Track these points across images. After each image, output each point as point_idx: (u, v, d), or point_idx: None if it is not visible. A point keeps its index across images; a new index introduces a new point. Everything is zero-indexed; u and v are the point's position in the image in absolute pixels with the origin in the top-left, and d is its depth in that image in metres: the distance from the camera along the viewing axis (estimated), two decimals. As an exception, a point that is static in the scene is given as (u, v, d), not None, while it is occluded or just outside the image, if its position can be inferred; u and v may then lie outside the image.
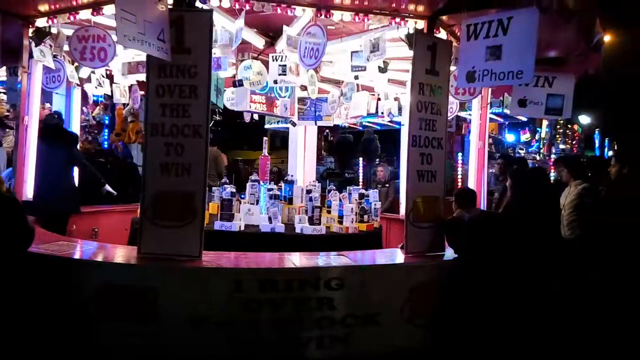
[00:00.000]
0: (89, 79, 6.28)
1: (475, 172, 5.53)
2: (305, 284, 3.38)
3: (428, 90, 4.00)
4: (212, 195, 5.38)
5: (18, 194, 4.71)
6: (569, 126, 20.62)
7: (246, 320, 3.31)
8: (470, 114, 8.86)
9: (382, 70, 5.09)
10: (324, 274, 3.43)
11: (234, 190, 5.17)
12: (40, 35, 4.64)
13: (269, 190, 5.25)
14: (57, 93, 5.90)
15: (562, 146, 20.30)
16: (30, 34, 4.65)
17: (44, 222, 4.82)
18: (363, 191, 5.72)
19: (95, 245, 4.08)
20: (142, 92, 6.67)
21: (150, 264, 3.41)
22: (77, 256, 3.55)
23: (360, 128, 12.73)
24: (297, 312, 3.37)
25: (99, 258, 3.67)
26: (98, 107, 8.53)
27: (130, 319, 3.29)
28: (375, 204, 5.48)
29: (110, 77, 6.36)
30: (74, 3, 4.31)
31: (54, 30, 4.77)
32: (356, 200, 5.46)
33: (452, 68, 4.28)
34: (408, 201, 3.95)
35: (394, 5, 4.03)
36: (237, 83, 5.20)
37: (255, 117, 7.71)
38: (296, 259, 3.74)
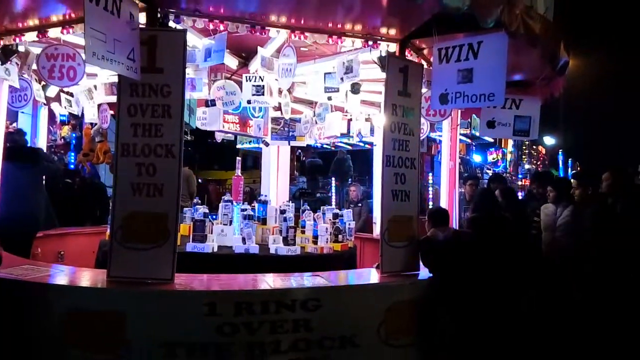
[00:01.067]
0: (56, 98, 6.15)
1: (446, 191, 5.62)
2: (281, 305, 3.32)
3: (400, 111, 4.05)
4: (184, 216, 5.28)
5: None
6: (534, 147, 21.26)
7: (221, 344, 3.22)
8: (440, 135, 9.05)
9: (355, 91, 5.15)
10: (300, 295, 3.38)
11: (206, 210, 5.09)
12: (7, 53, 4.52)
13: (243, 210, 5.19)
14: (23, 112, 5.74)
15: (527, 166, 20.88)
16: (-5, 52, 4.53)
17: (8, 244, 4.65)
18: (337, 211, 5.72)
19: (62, 269, 3.92)
20: (112, 112, 6.57)
21: (120, 288, 3.30)
22: (42, 280, 3.40)
23: (333, 148, 12.82)
24: (273, 334, 3.30)
25: (66, 282, 3.52)
26: (66, 127, 8.34)
27: (99, 345, 3.16)
28: (349, 224, 5.49)
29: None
30: (44, 21, 4.22)
31: (21, 49, 4.67)
32: (330, 220, 5.45)
33: (424, 90, 4.37)
34: (383, 221, 3.96)
35: (367, 28, 4.10)
36: (209, 103, 5.18)
37: (228, 136, 7.68)
38: (271, 280, 3.68)
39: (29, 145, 5.61)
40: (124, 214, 3.43)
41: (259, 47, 4.81)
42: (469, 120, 10.53)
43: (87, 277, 3.65)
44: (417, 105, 4.19)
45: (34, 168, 5.16)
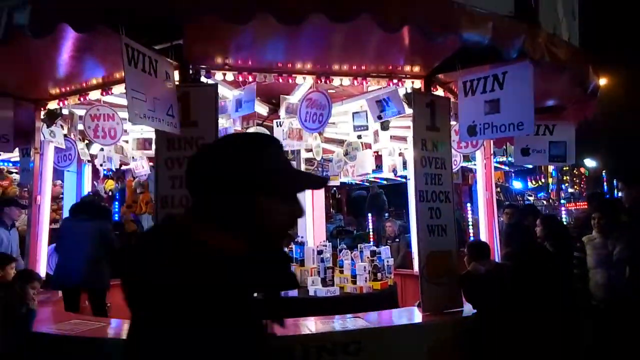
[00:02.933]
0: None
1: (485, 222, 5.50)
2: (323, 350, 3.29)
3: (430, 145, 4.06)
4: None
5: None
6: (575, 170, 20.65)
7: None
8: (475, 164, 8.93)
9: (384, 128, 5.20)
10: (341, 339, 3.34)
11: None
12: (52, 117, 4.82)
13: (280, 253, 5.21)
14: (68, 170, 6.04)
15: (570, 189, 20.24)
16: (42, 116, 4.83)
17: (64, 296, 4.85)
18: (375, 248, 5.67)
19: (108, 322, 4.02)
20: (151, 163, 6.84)
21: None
22: (92, 335, 3.49)
23: (366, 184, 12.81)
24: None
25: (113, 335, 3.60)
26: (110, 181, 8.70)
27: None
28: (387, 261, 5.43)
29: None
30: (84, 85, 4.50)
31: (65, 112, 4.97)
32: (368, 258, 5.41)
33: (453, 122, 4.38)
34: (420, 257, 3.91)
35: (390, 68, 4.18)
36: (243, 150, 5.31)
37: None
38: (311, 324, 3.66)
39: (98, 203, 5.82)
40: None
41: (281, 96, 4.96)
42: (504, 147, 10.37)
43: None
44: (447, 138, 4.19)
45: (91, 222, 5.23)
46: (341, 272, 5.33)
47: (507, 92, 3.61)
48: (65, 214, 6.22)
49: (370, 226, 11.46)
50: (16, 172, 8.89)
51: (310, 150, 6.67)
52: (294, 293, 4.67)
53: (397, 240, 8.32)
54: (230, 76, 4.08)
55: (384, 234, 9.74)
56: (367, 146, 6.61)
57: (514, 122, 3.55)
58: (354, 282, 4.95)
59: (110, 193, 9.27)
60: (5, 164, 9.01)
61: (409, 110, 4.87)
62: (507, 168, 14.76)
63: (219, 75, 4.07)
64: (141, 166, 6.96)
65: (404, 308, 4.88)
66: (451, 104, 4.32)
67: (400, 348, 3.48)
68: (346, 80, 4.24)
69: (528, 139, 5.04)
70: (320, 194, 8.38)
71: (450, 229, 4.07)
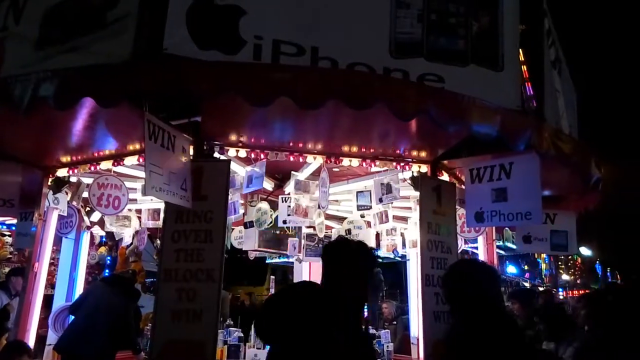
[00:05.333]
0: (99, 222, 6.41)
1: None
2: None
3: (436, 229, 4.08)
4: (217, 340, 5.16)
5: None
6: (570, 257, 20.64)
7: None
8: (473, 247, 8.92)
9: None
10: None
11: (241, 334, 4.99)
12: (60, 185, 4.83)
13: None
14: (67, 237, 5.96)
15: (565, 277, 20.08)
16: (49, 183, 4.84)
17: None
18: (374, 332, 5.52)
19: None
20: (149, 233, 6.77)
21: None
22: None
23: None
24: None
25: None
26: (103, 248, 8.56)
27: None
28: (387, 346, 5.27)
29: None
30: (96, 154, 4.55)
31: (72, 179, 4.99)
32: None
33: (457, 207, 4.43)
34: (426, 345, 3.80)
35: (398, 152, 4.29)
36: (247, 224, 5.32)
37: (254, 255, 7.74)
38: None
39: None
40: (163, 342, 3.39)
41: (292, 172, 5.05)
42: (500, 234, 10.43)
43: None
44: (453, 223, 4.23)
45: (124, 298, 5.19)
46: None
47: (514, 181, 3.70)
48: (60, 279, 6.08)
49: (366, 309, 11.21)
50: (9, 235, 8.76)
51: (311, 226, 6.67)
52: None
53: (395, 322, 8.10)
54: (242, 153, 4.17)
55: (381, 315, 9.50)
56: (368, 225, 6.62)
57: (521, 211, 3.61)
58: (353, 368, 4.76)
59: (99, 261, 9.08)
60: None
61: (404, 193, 4.95)
62: (502, 252, 14.72)
63: (231, 152, 4.15)
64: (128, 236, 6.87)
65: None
66: (456, 189, 4.40)
67: None
68: (355, 162, 4.34)
69: (529, 227, 5.07)
70: (317, 269, 8.24)
71: (457, 316, 3.98)
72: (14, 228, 7.27)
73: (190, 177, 3.55)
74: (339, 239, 2.65)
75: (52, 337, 5.52)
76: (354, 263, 2.30)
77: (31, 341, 4.60)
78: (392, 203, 5.27)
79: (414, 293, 6.51)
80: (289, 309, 2.01)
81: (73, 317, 5.17)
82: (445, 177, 4.57)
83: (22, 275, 5.08)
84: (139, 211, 6.29)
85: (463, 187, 4.43)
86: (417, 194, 4.39)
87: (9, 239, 8.75)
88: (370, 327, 6.72)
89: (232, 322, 5.87)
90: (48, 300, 5.89)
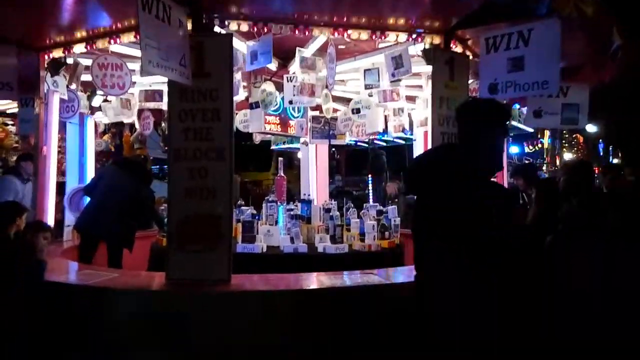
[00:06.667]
0: (99, 108, 6.32)
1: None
2: (340, 304, 3.32)
3: (448, 104, 4.00)
4: (230, 218, 5.34)
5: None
6: (574, 136, 20.64)
7: (279, 345, 3.24)
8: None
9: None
10: (359, 294, 3.37)
11: (254, 211, 5.14)
12: (56, 66, 4.68)
13: (289, 210, 5.21)
14: (70, 122, 5.91)
15: (568, 155, 20.26)
16: (46, 65, 4.68)
17: (84, 245, 4.93)
18: (381, 208, 5.67)
19: (120, 274, 4.02)
20: (154, 119, 6.71)
21: (179, 290, 3.37)
22: (104, 285, 3.49)
23: (365, 145, 12.75)
24: (331, 332, 3.30)
25: (126, 286, 3.60)
26: (107, 135, 8.56)
27: (161, 348, 3.22)
28: (394, 220, 5.44)
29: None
30: (91, 32, 4.33)
31: (69, 61, 4.81)
32: (374, 217, 5.42)
33: (470, 81, 4.30)
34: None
35: (410, 22, 4.05)
36: (253, 105, 5.22)
37: (266, 138, 7.73)
38: (325, 279, 3.68)
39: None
40: (179, 218, 3.49)
41: (297, 48, 4.83)
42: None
43: (147, 281, 3.73)
44: (465, 97, 4.13)
45: (134, 181, 5.16)
46: (348, 230, 5.34)
47: (532, 49, 3.52)
48: (69, 165, 6.17)
49: (370, 187, 11.49)
50: (12, 124, 8.72)
51: (316, 108, 6.58)
52: (303, 249, 4.69)
53: (396, 201, 8.35)
54: (245, 27, 3.94)
55: (384, 194, 9.78)
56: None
57: (538, 80, 3.48)
58: (362, 240, 4.97)
59: (105, 148, 9.12)
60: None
61: (414, 70, 4.78)
62: (507, 132, 14.64)
63: (233, 26, 3.92)
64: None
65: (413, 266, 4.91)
66: (470, 62, 4.23)
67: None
68: (364, 34, 4.11)
69: (541, 101, 4.96)
70: (324, 153, 8.33)
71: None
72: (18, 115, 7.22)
73: (189, 53, 3.38)
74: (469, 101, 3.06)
75: (69, 219, 5.73)
76: (488, 119, 2.45)
77: (50, 222, 4.78)
78: (401, 80, 5.15)
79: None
80: (433, 164, 2.48)
81: (89, 198, 5.30)
82: (458, 49, 4.37)
83: (31, 159, 5.11)
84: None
85: (477, 59, 4.25)
86: (429, 69, 4.23)
87: (13, 128, 8.71)
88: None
89: (243, 202, 6.05)
90: (61, 187, 6.03)
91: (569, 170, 3.72)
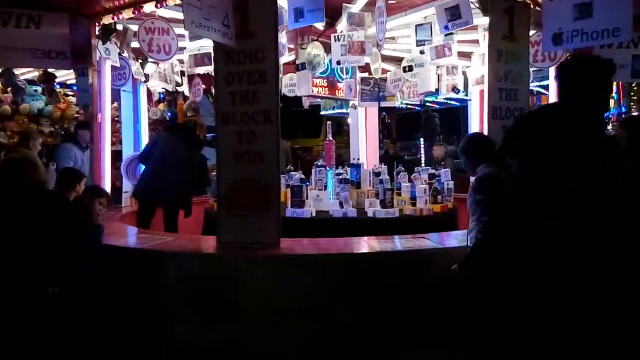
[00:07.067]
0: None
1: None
2: (390, 268, 3.24)
3: (507, 57, 3.73)
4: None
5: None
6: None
7: (329, 308, 3.22)
8: (537, 86, 8.35)
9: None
10: (410, 258, 3.28)
11: (302, 176, 5.10)
12: (107, 33, 4.74)
13: (338, 174, 5.13)
14: (124, 90, 6.03)
15: (636, 113, 18.85)
16: (97, 32, 4.74)
17: (141, 211, 5.09)
18: (433, 171, 5.49)
19: (175, 237, 4.12)
20: (204, 86, 6.73)
21: (229, 253, 3.40)
22: (158, 248, 3.58)
23: (418, 108, 12.37)
24: (381, 297, 3.24)
25: (179, 249, 3.68)
26: (162, 104, 8.71)
27: (211, 310, 3.28)
28: (447, 184, 5.25)
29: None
30: (138, -3, 4.33)
31: (119, 27, 4.85)
32: (426, 181, 5.25)
33: (531, 33, 3.98)
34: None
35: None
36: (299, 67, 5.10)
37: (314, 102, 7.61)
38: (374, 243, 3.61)
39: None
40: (229, 182, 3.49)
41: (344, 4, 4.63)
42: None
43: (198, 245, 3.80)
44: (525, 50, 3.86)
45: (186, 146, 5.26)
46: (399, 194, 5.21)
47: (602, -7, 3.19)
48: (125, 133, 6.32)
49: (422, 152, 11.21)
50: (72, 95, 9.04)
51: (366, 69, 6.37)
52: (352, 214, 4.62)
53: (443, 164, 8.07)
54: (289, -18, 3.79)
55: (431, 158, 9.50)
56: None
57: (608, 27, 3.15)
58: (413, 205, 4.84)
59: (160, 117, 9.30)
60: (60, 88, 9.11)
61: (475, 22, 4.47)
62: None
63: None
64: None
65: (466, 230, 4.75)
66: (531, 11, 3.91)
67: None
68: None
69: (609, 52, 4.55)
70: (373, 117, 8.14)
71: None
72: (75, 88, 7.46)
73: (232, 12, 3.29)
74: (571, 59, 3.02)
75: (126, 185, 5.93)
76: (594, 75, 2.46)
77: (107, 188, 4.94)
78: (454, 34, 4.84)
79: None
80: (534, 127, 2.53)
81: (144, 166, 5.43)
82: (517, -3, 4.04)
83: (88, 127, 5.27)
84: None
85: (538, 8, 3.92)
86: (486, 21, 3.94)
87: (73, 99, 9.03)
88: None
89: (292, 168, 6.02)
90: (118, 156, 6.22)
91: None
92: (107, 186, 5.01)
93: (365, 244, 3.59)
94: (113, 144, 6.59)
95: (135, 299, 3.40)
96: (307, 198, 4.92)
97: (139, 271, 3.49)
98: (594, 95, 2.43)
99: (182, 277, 3.37)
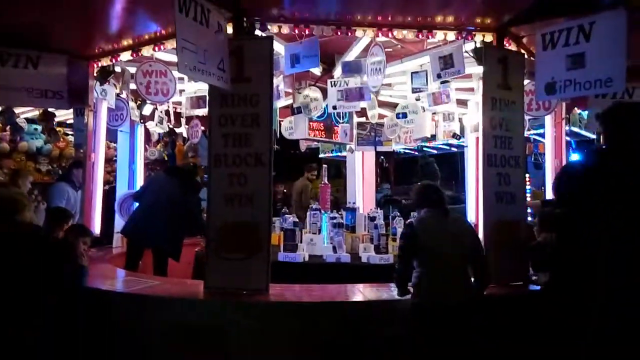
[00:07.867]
0: (151, 117, 6.43)
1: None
2: (381, 318, 3.13)
3: (501, 105, 3.73)
4: (273, 226, 5.24)
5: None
6: None
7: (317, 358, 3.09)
8: (535, 134, 8.36)
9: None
10: (400, 306, 3.17)
11: (296, 220, 5.03)
12: (104, 74, 4.77)
13: (332, 218, 5.06)
14: (121, 131, 6.04)
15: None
16: (95, 73, 4.78)
17: (130, 251, 4.98)
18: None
19: (161, 281, 3.99)
20: (202, 128, 6.76)
21: (215, 299, 3.29)
22: (143, 292, 3.46)
23: (415, 153, 12.41)
24: (373, 346, 3.11)
25: (164, 294, 3.55)
26: (160, 144, 8.72)
27: (196, 358, 3.14)
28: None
29: (176, 114, 6.56)
30: (136, 40, 4.38)
31: (117, 69, 4.90)
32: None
33: (525, 82, 4.01)
34: (486, 226, 3.64)
35: (460, 19, 3.83)
36: (295, 110, 5.13)
37: (312, 145, 7.62)
38: (368, 292, 3.50)
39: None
40: (218, 225, 3.42)
41: (336, 55, 4.69)
42: (567, 116, 9.69)
43: (185, 289, 3.68)
44: (520, 98, 3.86)
45: (182, 190, 5.09)
46: (394, 240, 5.11)
47: (594, 44, 3.21)
48: (120, 172, 6.29)
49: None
50: (72, 134, 9.08)
51: (363, 114, 6.41)
52: (346, 259, 4.53)
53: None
54: (285, 29, 3.85)
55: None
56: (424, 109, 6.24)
57: (601, 78, 3.16)
58: (409, 251, 4.73)
59: (158, 157, 9.29)
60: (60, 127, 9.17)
61: (471, 70, 4.52)
62: (567, 138, 13.85)
63: (274, 29, 3.84)
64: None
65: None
66: (525, 61, 3.95)
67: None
68: (410, 34, 3.92)
69: (604, 102, 4.56)
70: (371, 159, 8.14)
71: (520, 197, 3.77)
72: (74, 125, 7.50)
73: (228, 57, 3.32)
74: (615, 105, 2.86)
75: (119, 225, 5.83)
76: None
77: (96, 229, 4.86)
78: (449, 82, 4.89)
79: (472, 178, 6.29)
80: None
81: (137, 204, 5.35)
82: (512, 47, 4.09)
83: (82, 167, 5.23)
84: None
85: (532, 58, 3.96)
86: (480, 70, 3.98)
87: (72, 138, 9.06)
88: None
89: (287, 210, 5.94)
90: (111, 194, 6.16)
91: None
92: (97, 227, 4.92)
93: (355, 293, 3.48)
94: (109, 183, 6.59)
95: (119, 343, 3.26)
96: (300, 242, 4.84)
97: (123, 315, 3.36)
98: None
99: (166, 323, 3.24)
